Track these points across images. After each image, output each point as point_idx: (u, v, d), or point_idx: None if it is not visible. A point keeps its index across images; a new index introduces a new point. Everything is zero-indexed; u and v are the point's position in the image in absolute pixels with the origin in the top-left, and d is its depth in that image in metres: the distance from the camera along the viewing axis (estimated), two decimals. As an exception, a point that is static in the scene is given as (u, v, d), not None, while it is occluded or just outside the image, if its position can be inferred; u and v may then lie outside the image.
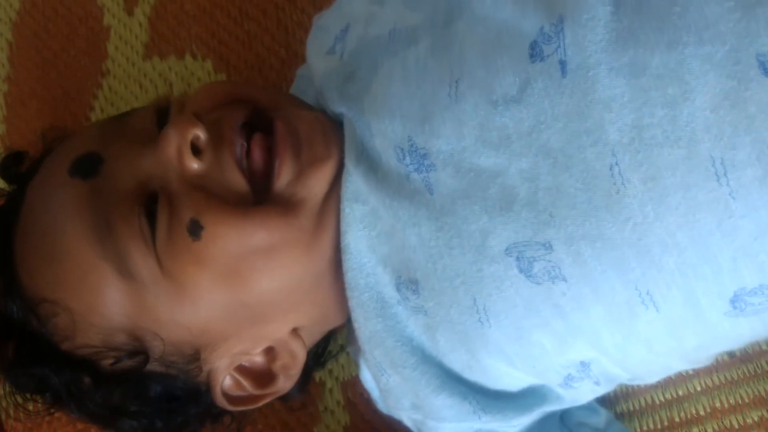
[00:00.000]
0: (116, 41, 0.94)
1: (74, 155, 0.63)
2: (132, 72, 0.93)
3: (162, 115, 0.65)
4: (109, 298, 0.61)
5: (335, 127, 0.64)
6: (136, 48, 0.93)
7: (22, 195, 0.66)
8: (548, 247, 0.54)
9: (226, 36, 0.89)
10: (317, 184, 0.61)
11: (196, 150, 0.61)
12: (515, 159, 0.54)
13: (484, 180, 0.56)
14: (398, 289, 0.61)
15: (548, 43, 0.53)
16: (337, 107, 0.64)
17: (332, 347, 0.79)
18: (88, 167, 0.62)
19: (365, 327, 0.63)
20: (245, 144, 0.62)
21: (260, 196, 0.61)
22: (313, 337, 0.70)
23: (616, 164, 0.52)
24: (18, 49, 0.98)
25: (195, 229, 0.59)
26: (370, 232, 0.61)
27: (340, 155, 0.62)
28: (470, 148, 0.56)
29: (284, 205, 0.60)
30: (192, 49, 0.90)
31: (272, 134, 0.62)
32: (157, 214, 0.60)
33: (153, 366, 0.63)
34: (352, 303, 0.63)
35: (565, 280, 0.54)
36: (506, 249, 0.55)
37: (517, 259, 0.55)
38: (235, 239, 0.59)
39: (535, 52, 0.54)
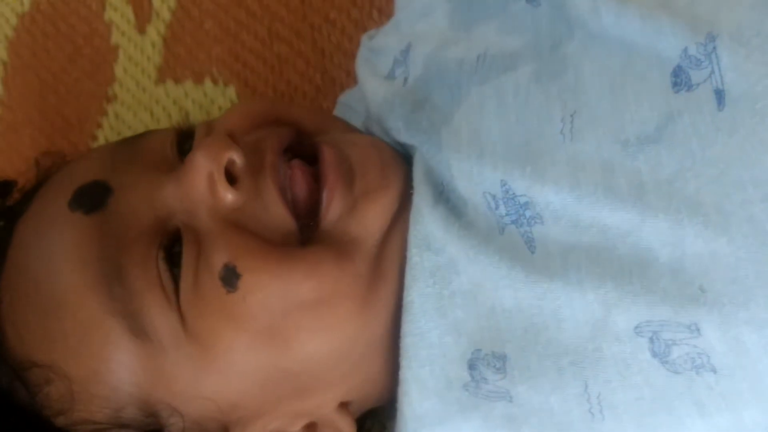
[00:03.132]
0: (125, 63, 0.86)
1: (76, 184, 0.54)
2: (142, 98, 0.86)
3: (184, 139, 0.56)
4: (116, 363, 0.52)
5: (395, 154, 0.55)
6: (148, 71, 0.85)
7: (10, 232, 0.57)
8: (695, 329, 0.44)
9: (252, 59, 0.81)
10: (374, 220, 0.52)
11: (231, 178, 0.52)
12: (650, 215, 0.45)
13: (610, 239, 0.46)
14: (472, 367, 0.51)
15: (697, 68, 0.45)
16: (405, 138, 0.55)
17: (369, 424, 0.68)
18: (93, 199, 0.53)
19: (419, 404, 0.53)
20: (289, 171, 0.53)
21: (305, 234, 0.52)
22: (357, 413, 0.60)
23: None
24: (13, 70, 0.91)
25: (230, 278, 0.50)
26: (441, 289, 0.51)
27: (401, 188, 0.53)
28: (588, 198, 0.47)
29: (336, 247, 0.51)
30: (212, 74, 0.82)
31: (315, 162, 0.54)
32: (182, 257, 0.51)
33: None
34: (407, 374, 0.53)
35: (714, 371, 0.45)
36: (636, 327, 0.46)
37: (651, 340, 0.45)
38: (278, 290, 0.50)
39: (679, 80, 0.45)
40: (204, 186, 0.51)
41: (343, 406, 0.57)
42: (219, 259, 0.50)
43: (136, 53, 0.86)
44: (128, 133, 0.84)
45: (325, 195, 0.52)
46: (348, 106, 0.69)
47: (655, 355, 0.46)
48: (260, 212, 0.52)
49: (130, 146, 0.57)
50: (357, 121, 0.63)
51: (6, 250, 0.56)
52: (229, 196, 0.51)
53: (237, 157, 0.51)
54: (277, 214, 0.52)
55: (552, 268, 0.48)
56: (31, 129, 0.89)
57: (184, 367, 0.52)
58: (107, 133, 0.86)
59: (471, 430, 0.52)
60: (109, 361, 0.52)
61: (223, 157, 0.51)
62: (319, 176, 0.53)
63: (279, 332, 0.51)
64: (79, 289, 0.51)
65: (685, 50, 0.45)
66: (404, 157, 0.56)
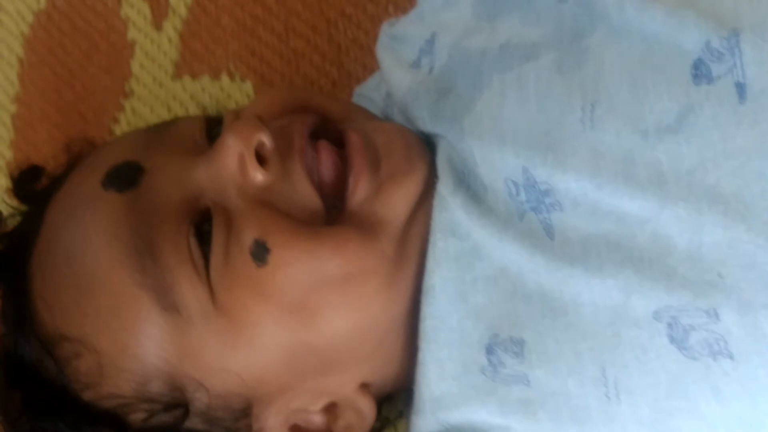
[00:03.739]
0: (142, 58, 0.86)
1: (109, 165, 0.55)
2: (159, 93, 0.85)
3: (212, 125, 0.57)
4: (146, 337, 0.52)
5: (419, 141, 0.56)
6: (165, 66, 0.86)
7: (41, 213, 0.58)
8: (713, 314, 0.45)
9: (269, 54, 0.82)
10: (399, 201, 0.53)
11: (261, 159, 0.53)
12: (669, 203, 0.46)
13: (629, 226, 0.47)
14: (489, 352, 0.52)
15: (719, 62, 0.45)
16: (429, 127, 0.55)
17: (387, 412, 0.68)
18: (125, 178, 0.54)
19: (436, 387, 0.54)
20: (315, 154, 0.54)
21: (332, 215, 0.53)
22: (377, 397, 0.60)
23: None
24: (30, 67, 0.91)
25: (260, 253, 0.51)
26: (464, 275, 0.52)
27: (426, 173, 0.54)
28: (608, 186, 0.47)
29: (362, 226, 0.52)
30: (229, 69, 0.82)
31: (342, 148, 0.54)
32: (213, 234, 0.52)
33: (193, 422, 0.55)
34: (426, 357, 0.54)
35: (731, 357, 0.45)
36: (655, 312, 0.46)
37: (669, 325, 0.46)
38: (306, 265, 0.51)
39: (700, 72, 0.45)
40: (235, 166, 0.52)
41: (364, 387, 0.57)
42: (249, 234, 0.51)
43: (153, 49, 0.86)
44: (145, 128, 0.85)
45: (351, 178, 0.53)
46: (365, 97, 0.70)
47: (672, 340, 0.46)
48: (288, 192, 0.53)
49: (160, 131, 0.58)
50: (375, 110, 0.64)
51: (38, 228, 0.57)
52: (259, 175, 0.52)
53: (266, 139, 0.52)
54: (305, 193, 0.53)
55: (571, 254, 0.48)
56: (48, 125, 0.89)
57: (212, 341, 0.52)
58: (124, 128, 0.86)
59: (487, 414, 0.53)
60: (139, 334, 0.52)
61: (253, 139, 0.52)
62: (346, 160, 0.53)
63: (306, 307, 0.52)
64: (111, 263, 0.52)
65: (708, 43, 0.46)
66: (428, 145, 0.56)
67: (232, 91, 0.82)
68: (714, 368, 0.46)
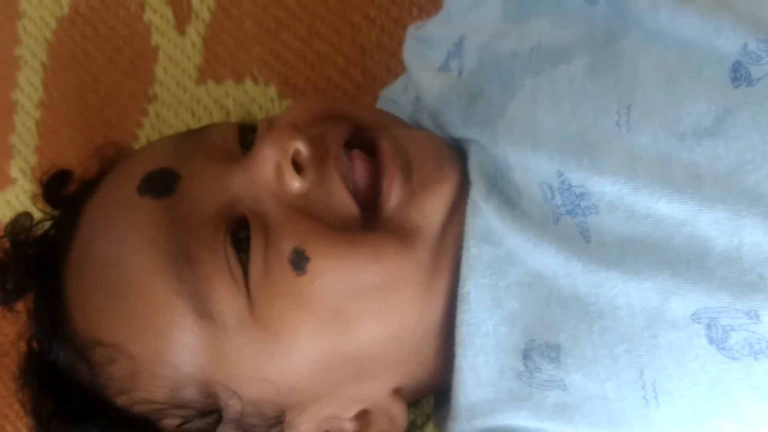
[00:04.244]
0: (165, 63, 0.87)
1: (144, 171, 0.55)
2: (183, 98, 0.86)
3: (245, 133, 0.57)
4: (180, 344, 0.53)
5: (451, 149, 0.56)
6: (189, 71, 0.86)
7: (72, 219, 0.58)
8: (753, 315, 0.45)
9: (292, 58, 0.82)
10: (433, 209, 0.53)
11: (297, 167, 0.53)
12: (707, 205, 0.46)
13: (666, 228, 0.47)
14: (526, 357, 0.52)
15: (757, 64, 0.45)
16: (461, 132, 0.56)
17: (414, 416, 0.69)
18: (161, 185, 0.54)
19: (473, 393, 0.54)
20: (349, 162, 0.54)
21: (368, 222, 0.54)
22: (408, 401, 0.61)
23: None
24: (53, 72, 0.91)
25: (299, 261, 0.51)
26: (498, 281, 0.52)
27: (457, 181, 0.54)
28: (645, 189, 0.47)
29: (398, 233, 0.53)
30: (253, 73, 0.83)
31: (374, 156, 0.55)
32: (251, 242, 0.52)
33: (226, 429, 0.55)
34: (462, 363, 0.54)
35: None
36: (693, 314, 0.46)
37: (708, 327, 0.46)
38: (345, 273, 0.51)
39: (738, 75, 0.45)
40: (271, 174, 0.53)
41: (396, 392, 0.58)
42: (288, 243, 0.51)
43: (176, 54, 0.86)
44: (169, 133, 0.84)
45: (384, 184, 0.53)
46: (391, 101, 0.70)
47: (711, 341, 0.46)
48: (324, 199, 0.53)
49: (193, 138, 0.58)
50: (402, 115, 0.64)
51: (72, 233, 0.57)
52: (296, 183, 0.52)
53: (302, 147, 0.53)
54: (341, 200, 0.53)
55: (608, 257, 0.48)
56: (72, 130, 0.89)
57: (248, 350, 0.52)
58: (148, 132, 0.86)
59: (522, 420, 0.53)
60: (173, 341, 0.53)
61: (290, 147, 0.52)
62: (379, 167, 0.54)
63: (344, 316, 0.52)
64: (148, 269, 0.52)
65: (745, 46, 0.46)
66: (458, 152, 0.56)
67: (256, 96, 0.82)
68: (755, 368, 0.46)
